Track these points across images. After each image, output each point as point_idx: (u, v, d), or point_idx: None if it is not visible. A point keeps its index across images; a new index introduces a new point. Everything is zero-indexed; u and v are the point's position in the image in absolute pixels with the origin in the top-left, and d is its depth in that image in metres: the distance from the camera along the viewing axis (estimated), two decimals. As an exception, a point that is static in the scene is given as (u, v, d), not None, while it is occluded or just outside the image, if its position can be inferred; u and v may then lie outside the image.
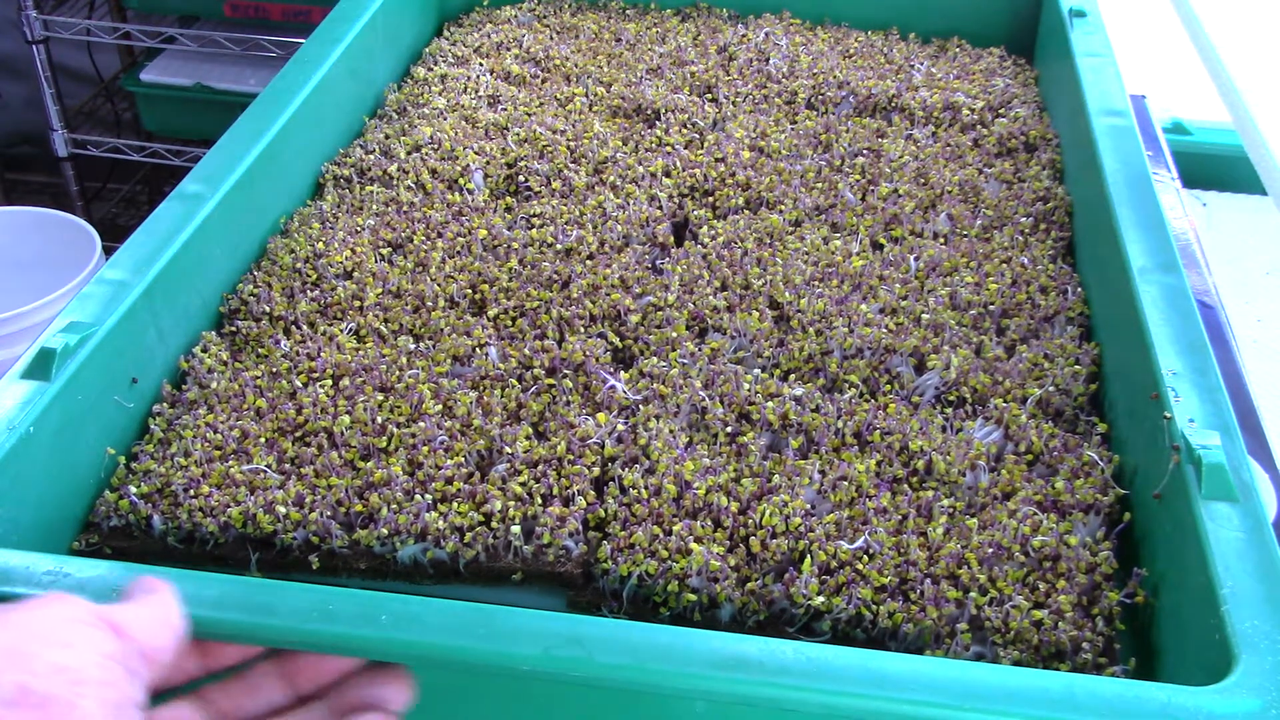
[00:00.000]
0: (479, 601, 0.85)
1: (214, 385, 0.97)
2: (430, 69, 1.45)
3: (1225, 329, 1.38)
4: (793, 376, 1.00)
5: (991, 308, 1.07)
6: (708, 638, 0.68)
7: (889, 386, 0.99)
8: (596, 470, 0.90)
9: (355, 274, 1.10)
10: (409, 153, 1.28)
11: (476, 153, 1.27)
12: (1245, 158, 1.32)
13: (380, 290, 1.08)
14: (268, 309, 1.05)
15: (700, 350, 1.01)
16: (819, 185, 1.23)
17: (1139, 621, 0.82)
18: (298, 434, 0.93)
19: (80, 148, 2.50)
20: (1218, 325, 1.38)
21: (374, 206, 1.19)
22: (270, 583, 0.71)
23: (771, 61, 1.46)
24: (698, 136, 1.32)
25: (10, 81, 2.93)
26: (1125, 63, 1.32)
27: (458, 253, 1.13)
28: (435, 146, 1.28)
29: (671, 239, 1.17)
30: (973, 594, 0.81)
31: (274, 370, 0.99)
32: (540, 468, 0.89)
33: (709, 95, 1.42)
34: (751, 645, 0.67)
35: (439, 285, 1.08)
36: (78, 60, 2.78)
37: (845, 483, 0.88)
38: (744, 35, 1.53)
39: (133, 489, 0.88)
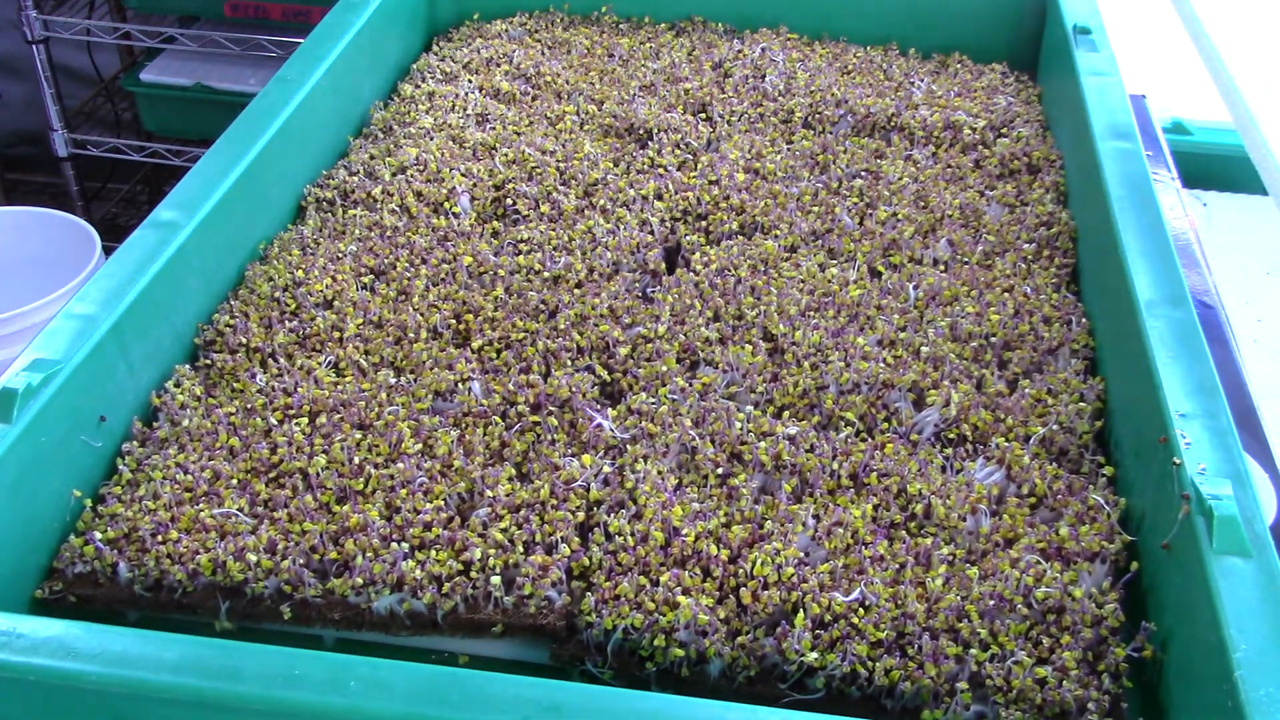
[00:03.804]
0: (458, 653, 0.82)
1: (186, 422, 0.94)
2: (418, 86, 1.42)
3: (1225, 329, 1.36)
4: (786, 413, 0.96)
5: (993, 339, 1.03)
6: (692, 705, 0.65)
7: (886, 424, 0.95)
8: (581, 515, 0.86)
9: (335, 303, 1.06)
10: (394, 174, 1.24)
11: (463, 174, 1.23)
12: (1245, 158, 1.30)
13: (361, 320, 1.04)
14: (244, 340, 1.02)
15: (691, 385, 0.97)
16: (815, 209, 1.20)
17: (1146, 677, 0.79)
18: (271, 475, 0.90)
19: (80, 148, 2.47)
20: (1218, 325, 1.35)
21: (356, 231, 1.16)
22: (233, 644, 0.67)
23: (768, 78, 1.42)
24: (691, 157, 1.29)
25: (10, 81, 2.90)
26: (1126, 62, 1.29)
27: (442, 280, 1.09)
28: (421, 168, 1.25)
29: (663, 265, 1.13)
30: (973, 649, 0.77)
31: (248, 406, 0.96)
32: (522, 512, 0.86)
33: (703, 114, 1.38)
34: (737, 714, 0.64)
35: (422, 315, 1.04)
36: (78, 60, 2.75)
37: (840, 529, 0.85)
38: (740, 50, 1.49)
39: (98, 534, 0.84)
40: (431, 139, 1.30)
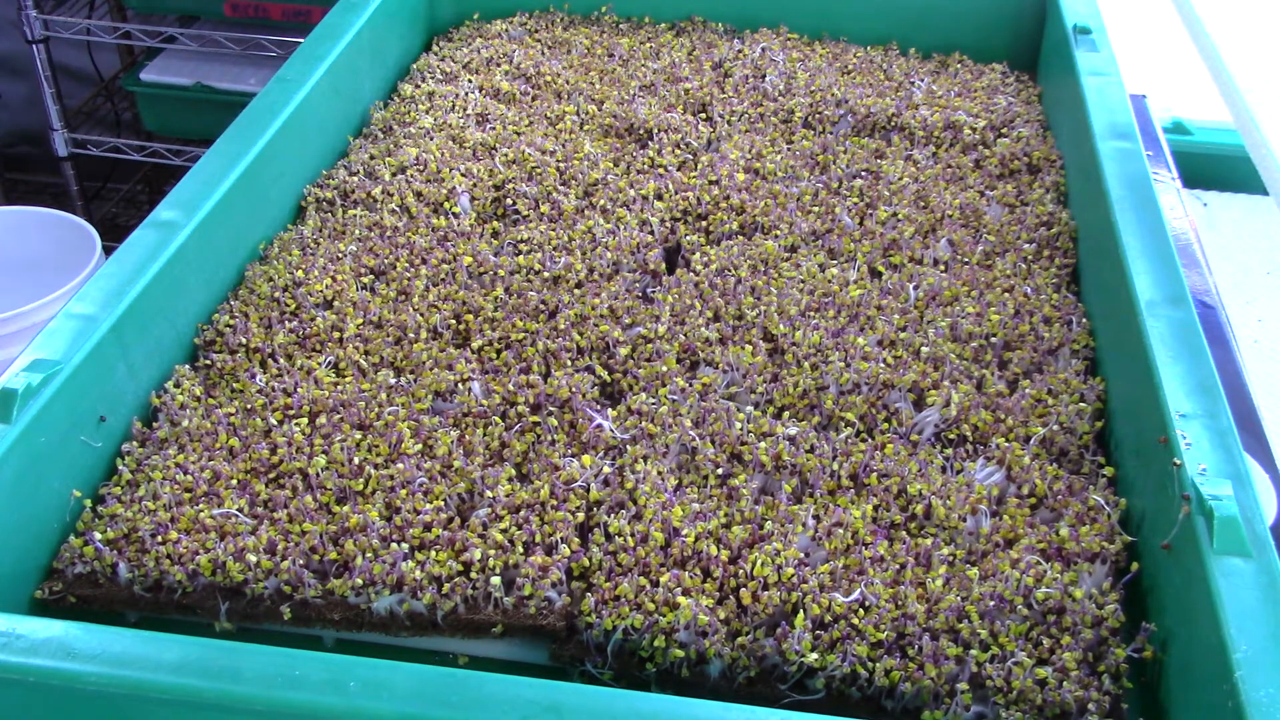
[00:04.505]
0: (458, 654, 0.82)
1: (186, 423, 0.94)
2: (418, 86, 1.42)
3: (1225, 329, 1.36)
4: (786, 414, 0.96)
5: (993, 340, 1.03)
6: (692, 706, 0.65)
7: (886, 424, 0.95)
8: (581, 516, 0.86)
9: (335, 303, 1.06)
10: (394, 174, 1.24)
11: (463, 174, 1.23)
12: (1245, 158, 1.30)
13: (361, 320, 1.04)
14: (244, 340, 1.02)
15: (691, 386, 0.97)
16: (815, 209, 1.20)
17: (1146, 677, 0.79)
18: (271, 475, 0.90)
19: (80, 148, 2.47)
20: (1218, 325, 1.35)
21: (356, 231, 1.16)
22: (233, 645, 0.67)
23: (768, 78, 1.42)
24: (691, 157, 1.29)
25: (10, 81, 2.90)
26: (1126, 62, 1.29)
27: (442, 280, 1.09)
28: (421, 168, 1.24)
29: (663, 265, 1.13)
30: (973, 650, 0.77)
31: (248, 407, 0.95)
32: (522, 513, 0.86)
33: (703, 114, 1.38)
34: (737, 715, 0.64)
35: (421, 315, 1.04)
36: (78, 60, 2.75)
37: (840, 529, 0.85)
38: (740, 50, 1.49)
39: (98, 534, 0.84)
40: (431, 139, 1.30)
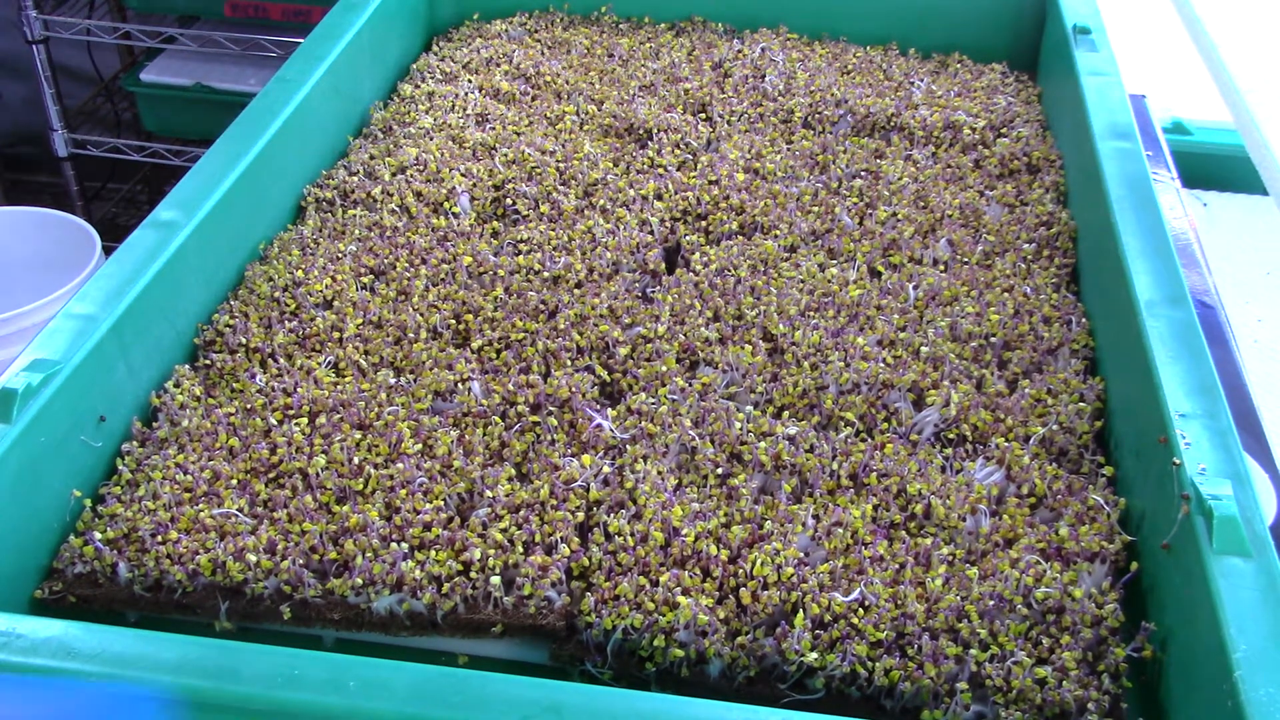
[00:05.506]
0: (458, 653, 0.82)
1: (185, 423, 0.94)
2: (418, 86, 1.42)
3: (1225, 329, 1.36)
4: (786, 414, 0.96)
5: (993, 339, 1.03)
6: (692, 706, 0.65)
7: (886, 424, 0.95)
8: (580, 515, 0.86)
9: (335, 303, 1.06)
10: (393, 174, 1.24)
11: (463, 174, 1.23)
12: (1245, 158, 1.29)
13: (361, 320, 1.04)
14: (244, 340, 1.02)
15: (691, 386, 0.97)
16: (815, 209, 1.20)
17: (1146, 676, 0.79)
18: (271, 475, 0.90)
19: (80, 148, 2.48)
20: (1218, 325, 1.35)
21: (356, 231, 1.16)
22: (233, 645, 0.67)
23: (768, 78, 1.42)
24: (691, 157, 1.29)
25: (10, 81, 2.90)
26: (1126, 62, 1.29)
27: (441, 280, 1.09)
28: (421, 168, 1.25)
29: (663, 265, 1.13)
30: (973, 650, 0.77)
31: (248, 406, 0.95)
32: (522, 513, 0.86)
33: (703, 114, 1.38)
34: (737, 715, 0.64)
35: (421, 315, 1.04)
36: (78, 60, 2.76)
37: (840, 529, 0.85)
38: (740, 50, 1.49)
39: (98, 534, 0.84)
40: (431, 139, 1.30)
